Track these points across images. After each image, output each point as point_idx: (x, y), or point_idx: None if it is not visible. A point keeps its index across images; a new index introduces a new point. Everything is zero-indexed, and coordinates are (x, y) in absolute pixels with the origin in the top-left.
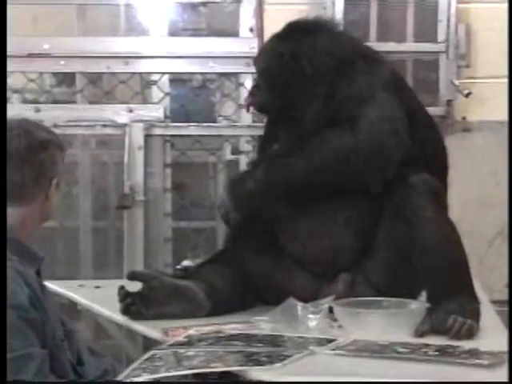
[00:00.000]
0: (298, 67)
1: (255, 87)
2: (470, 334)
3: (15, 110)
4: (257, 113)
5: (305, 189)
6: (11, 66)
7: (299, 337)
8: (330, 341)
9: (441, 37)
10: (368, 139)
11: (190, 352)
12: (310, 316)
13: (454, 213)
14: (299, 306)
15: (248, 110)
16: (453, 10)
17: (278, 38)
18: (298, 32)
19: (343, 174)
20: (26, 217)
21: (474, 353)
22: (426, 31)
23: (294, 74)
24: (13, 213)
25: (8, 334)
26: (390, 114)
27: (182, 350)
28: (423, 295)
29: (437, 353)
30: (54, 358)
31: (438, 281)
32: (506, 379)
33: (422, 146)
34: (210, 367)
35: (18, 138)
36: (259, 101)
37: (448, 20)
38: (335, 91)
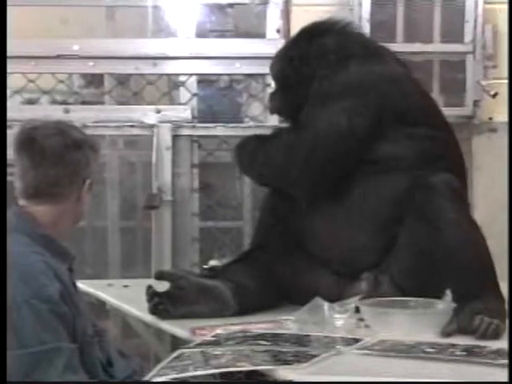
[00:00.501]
0: (307, 69)
1: (273, 92)
2: (497, 334)
3: (44, 110)
4: (279, 117)
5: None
6: (41, 67)
7: (326, 336)
8: (356, 340)
9: (468, 37)
10: (306, 153)
11: (218, 351)
12: (337, 315)
13: (480, 213)
14: (326, 305)
15: (272, 114)
16: (480, 11)
17: (291, 42)
18: (309, 35)
19: (278, 181)
20: (59, 215)
21: (502, 353)
22: (453, 32)
23: (305, 77)
24: (45, 211)
25: (38, 327)
26: (343, 124)
27: (209, 349)
28: (449, 295)
29: (464, 353)
30: (84, 355)
31: (463, 281)
32: None
33: (437, 146)
34: (237, 366)
35: (53, 137)
36: (277, 105)
37: (475, 20)
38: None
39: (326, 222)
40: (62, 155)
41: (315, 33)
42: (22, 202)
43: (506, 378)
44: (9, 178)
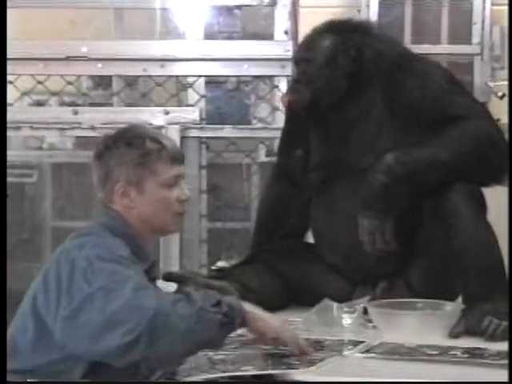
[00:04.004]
0: (363, 62)
1: (300, 84)
2: (505, 335)
3: (53, 112)
4: (298, 110)
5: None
6: (49, 68)
7: (330, 340)
8: (359, 343)
9: (475, 39)
10: (494, 128)
11: (221, 355)
12: (345, 316)
13: (491, 214)
14: (334, 306)
15: (297, 107)
16: (487, 12)
17: (334, 32)
18: (351, 29)
19: (488, 160)
20: None
21: (503, 354)
22: (461, 33)
23: (359, 69)
24: None
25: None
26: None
27: (210, 353)
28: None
29: (465, 355)
30: None
31: (473, 282)
32: None
33: None
34: (242, 370)
35: None
36: (306, 98)
37: (483, 22)
38: (402, 92)
39: (345, 232)
40: None
41: (356, 29)
42: None
43: (506, 379)
44: (9, 179)
